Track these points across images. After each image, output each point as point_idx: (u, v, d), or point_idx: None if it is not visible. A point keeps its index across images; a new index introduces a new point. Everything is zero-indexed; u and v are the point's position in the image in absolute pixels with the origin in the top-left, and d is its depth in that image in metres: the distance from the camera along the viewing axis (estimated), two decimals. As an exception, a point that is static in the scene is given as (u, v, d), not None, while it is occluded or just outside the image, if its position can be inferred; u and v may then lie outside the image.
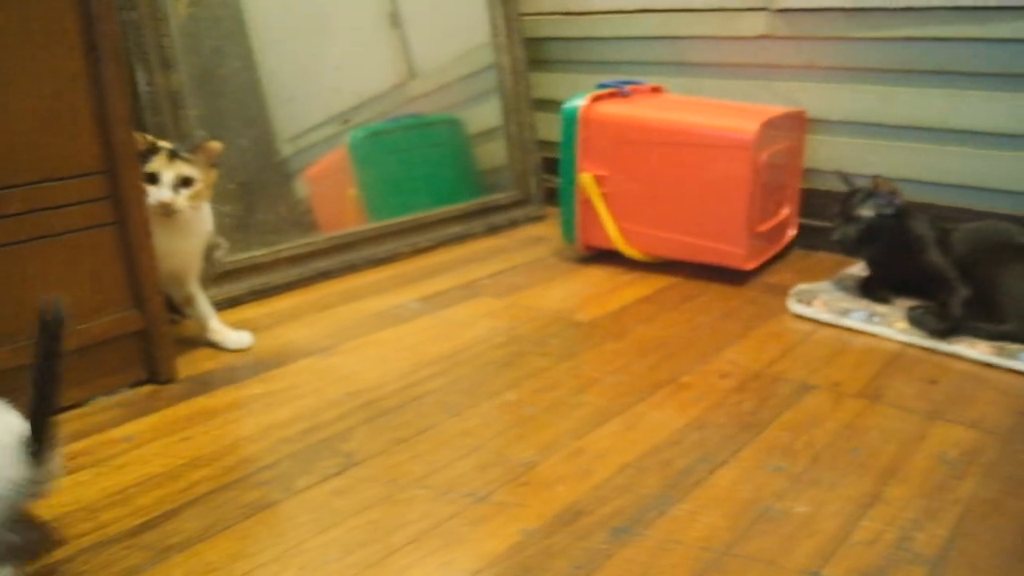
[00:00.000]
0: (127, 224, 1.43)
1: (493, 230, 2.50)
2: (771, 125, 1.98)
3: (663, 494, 1.17)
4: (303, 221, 2.14)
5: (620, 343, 1.67)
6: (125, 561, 1.04)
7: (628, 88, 2.20)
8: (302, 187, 2.18)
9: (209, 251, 1.73)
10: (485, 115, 2.63)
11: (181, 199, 1.53)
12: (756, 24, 2.28)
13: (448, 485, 1.19)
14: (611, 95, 2.16)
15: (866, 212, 1.78)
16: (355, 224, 2.26)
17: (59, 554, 1.06)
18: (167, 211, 1.52)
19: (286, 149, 2.16)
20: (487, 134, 2.64)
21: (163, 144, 1.55)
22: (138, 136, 1.49)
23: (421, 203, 2.40)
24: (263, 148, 2.06)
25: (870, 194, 1.80)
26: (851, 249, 1.86)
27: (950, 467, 1.23)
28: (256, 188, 2.02)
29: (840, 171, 1.95)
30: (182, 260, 1.63)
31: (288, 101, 2.15)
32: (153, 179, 1.51)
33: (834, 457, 1.26)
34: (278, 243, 2.03)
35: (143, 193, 1.46)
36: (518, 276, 2.10)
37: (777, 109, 2.10)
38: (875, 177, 1.83)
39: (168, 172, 1.52)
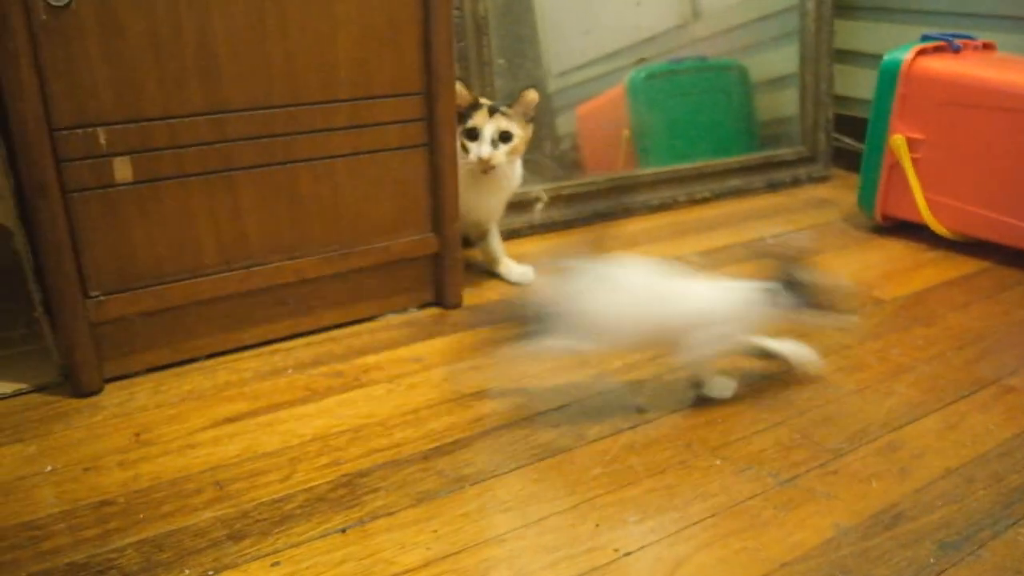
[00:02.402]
0: (437, 147, 1.43)
1: (774, 187, 2.34)
2: None
3: (996, 512, 1.02)
4: (569, 159, 2.08)
5: (930, 329, 1.50)
6: (421, 484, 1.05)
7: (958, 43, 1.95)
8: (568, 124, 2.12)
9: (529, 204, 1.72)
10: (775, 62, 2.44)
11: (500, 154, 1.52)
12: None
13: (747, 460, 1.11)
14: (938, 49, 1.93)
15: None
16: (624, 167, 2.18)
17: (355, 465, 1.08)
18: (486, 167, 1.52)
19: (553, 84, 2.11)
20: (775, 83, 2.46)
21: (484, 101, 1.55)
22: (461, 90, 1.49)
23: (697, 151, 2.28)
24: (539, 82, 2.01)
25: None
26: None
27: None
28: (540, 124, 1.99)
29: None
30: (487, 212, 1.64)
31: (561, 35, 2.08)
32: (473, 135, 1.51)
33: None
34: (558, 180, 1.99)
35: (454, 127, 1.45)
36: (804, 240, 1.94)
37: None
38: None
39: (489, 127, 1.51)
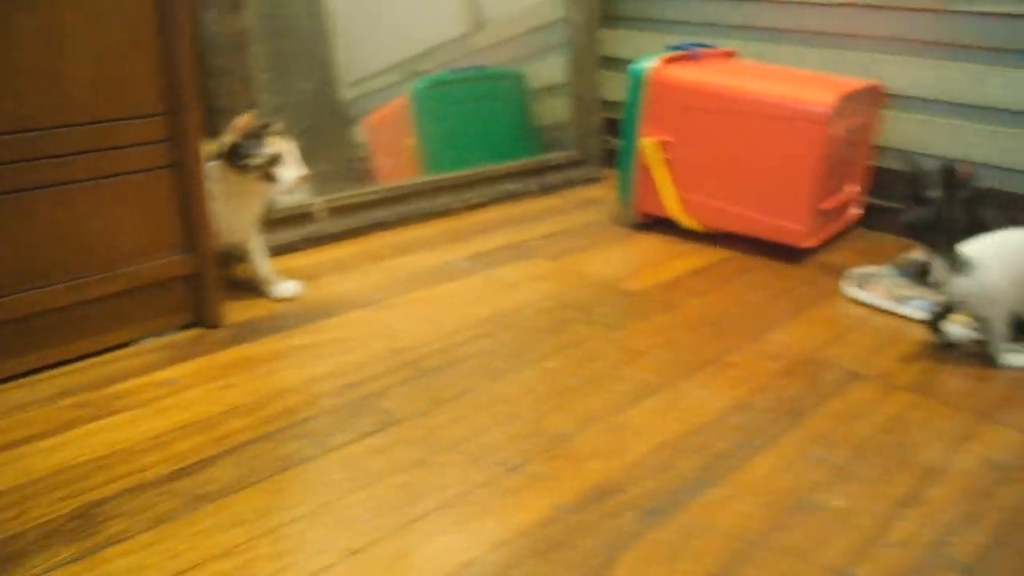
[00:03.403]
0: (184, 167, 1.44)
1: (549, 189, 2.47)
2: (848, 98, 1.91)
3: (698, 477, 1.15)
4: (360, 169, 2.14)
5: (669, 316, 1.65)
6: (159, 507, 1.07)
7: (700, 51, 2.13)
8: (361, 133, 2.17)
9: (307, 216, 1.74)
10: (550, 71, 2.58)
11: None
12: (840, -10, 2.18)
13: (481, 452, 1.19)
14: (682, 58, 2.10)
15: (939, 195, 1.70)
16: (412, 175, 2.25)
17: (93, 495, 1.09)
18: (299, 186, 1.58)
19: (348, 93, 2.16)
20: (550, 90, 2.59)
21: (272, 124, 1.57)
22: (249, 118, 1.52)
23: (478, 157, 2.37)
24: (326, 93, 2.05)
25: (946, 177, 1.71)
26: (920, 233, 1.78)
27: (996, 471, 1.19)
28: (318, 134, 2.02)
29: (907, 153, 1.87)
30: (244, 230, 1.65)
31: (352, 45, 2.13)
32: (276, 160, 1.54)
33: (876, 451, 1.23)
34: (334, 191, 2.03)
35: (200, 136, 1.46)
36: (571, 239, 2.07)
37: (855, 82, 2.01)
38: (957, 162, 1.73)
39: (290, 149, 1.56)
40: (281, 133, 1.57)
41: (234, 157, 1.53)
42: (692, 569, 0.98)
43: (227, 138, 1.54)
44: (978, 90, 2.00)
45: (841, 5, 2.17)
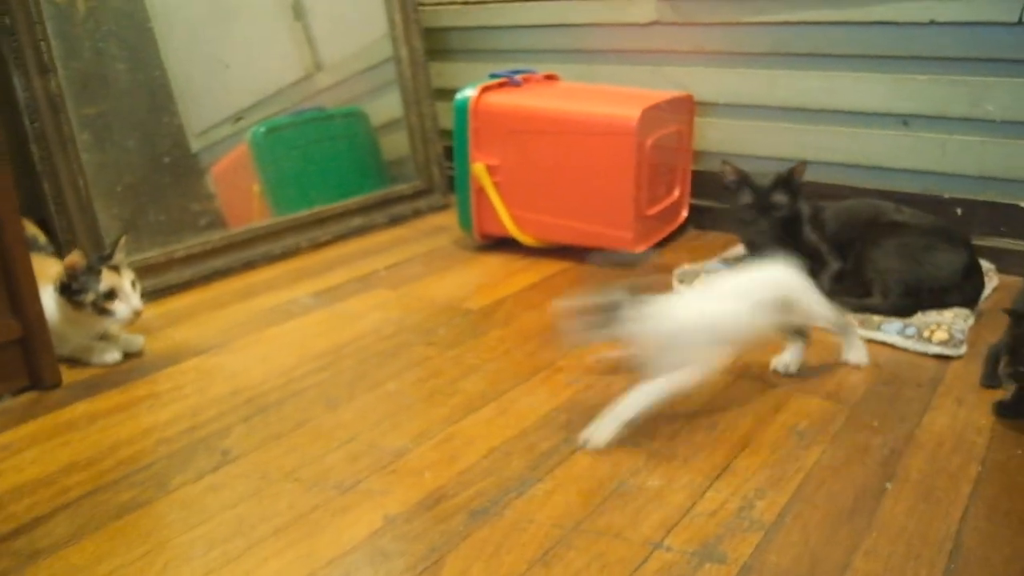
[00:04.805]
0: (1, 235, 1.44)
1: (396, 221, 2.54)
2: (656, 109, 2.05)
3: (524, 476, 1.23)
4: (210, 218, 2.15)
5: (504, 330, 1.73)
6: (-8, 568, 1.07)
7: (519, 77, 2.25)
8: (210, 183, 2.19)
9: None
10: (388, 106, 2.66)
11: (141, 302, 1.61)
12: (647, 11, 2.34)
13: (317, 477, 1.23)
14: (502, 85, 2.21)
15: (784, 199, 1.83)
16: (260, 219, 2.27)
17: (-74, 564, 1.08)
18: (136, 318, 1.59)
19: (196, 144, 2.17)
20: (390, 125, 2.67)
21: (107, 256, 1.61)
22: (78, 257, 1.54)
23: (325, 196, 2.42)
24: (158, 148, 2.06)
25: (785, 181, 1.84)
26: (764, 239, 1.89)
27: (800, 437, 1.31)
28: (150, 188, 2.03)
29: (724, 155, 2.02)
30: (87, 345, 1.65)
31: (197, 96, 2.15)
32: (112, 295, 1.56)
33: (692, 432, 1.33)
34: (172, 243, 2.04)
35: (15, 202, 1.46)
36: (415, 267, 2.14)
37: (664, 94, 2.16)
38: (798, 163, 1.85)
39: (127, 282, 1.59)
40: (117, 266, 1.59)
41: (67, 293, 1.55)
42: (515, 559, 1.05)
43: (60, 275, 1.57)
44: (772, 93, 2.19)
45: (649, 24, 2.33)
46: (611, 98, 2.13)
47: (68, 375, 1.58)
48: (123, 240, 1.63)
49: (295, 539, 1.10)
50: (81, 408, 1.47)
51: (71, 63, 1.86)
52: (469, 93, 2.14)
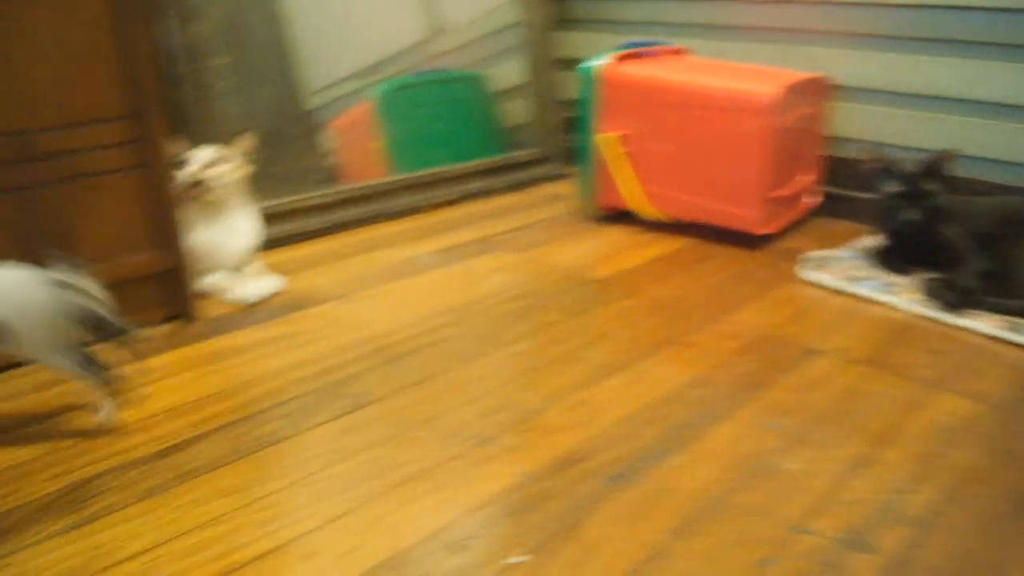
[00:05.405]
0: (151, 168, 1.48)
1: (514, 187, 2.53)
2: (792, 90, 1.98)
3: (660, 446, 1.21)
4: (329, 171, 2.18)
5: (631, 301, 1.71)
6: (147, 481, 1.11)
7: (651, 49, 2.20)
8: (327, 139, 2.22)
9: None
10: (509, 72, 2.64)
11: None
12: (789, -13, 2.26)
13: (453, 428, 1.24)
14: (633, 55, 2.17)
15: (936, 187, 1.75)
16: (378, 176, 2.29)
17: (84, 472, 1.12)
18: (195, 187, 1.67)
19: (314, 101, 2.20)
20: (511, 91, 2.66)
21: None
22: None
23: (443, 158, 2.43)
24: (288, 100, 2.10)
25: (933, 169, 1.76)
26: (910, 229, 1.81)
27: (946, 435, 1.26)
28: (280, 138, 2.06)
29: (863, 143, 1.94)
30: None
31: (315, 55, 2.18)
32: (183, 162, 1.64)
33: (832, 419, 1.29)
34: (296, 193, 2.07)
35: (164, 139, 1.50)
36: (536, 233, 2.13)
37: (799, 74, 2.09)
38: (943, 151, 1.77)
39: (201, 155, 1.69)
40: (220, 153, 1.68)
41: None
42: (656, 526, 1.04)
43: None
44: (913, 80, 2.10)
45: (785, 1, 2.25)
46: (746, 75, 2.07)
47: (205, 310, 1.62)
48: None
49: (432, 486, 1.10)
50: (220, 342, 1.50)
51: (211, 12, 1.90)
52: (600, 62, 2.11)
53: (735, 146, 1.96)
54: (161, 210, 1.50)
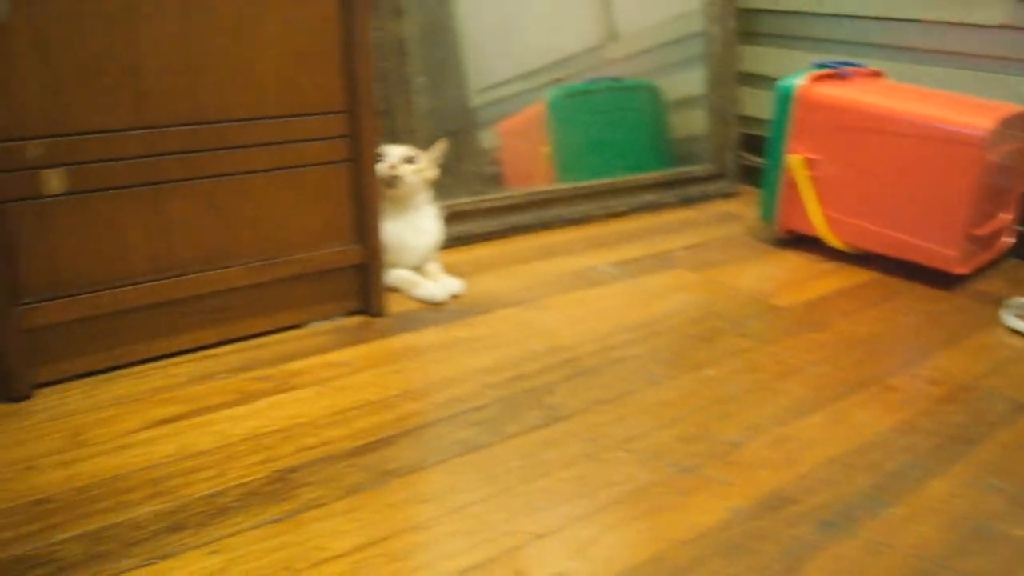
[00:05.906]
0: (359, 163, 1.50)
1: (685, 202, 2.47)
2: (1006, 124, 1.86)
3: (872, 495, 1.14)
4: (491, 174, 2.18)
5: (821, 334, 1.63)
6: (349, 478, 1.11)
7: (848, 70, 2.11)
8: (490, 139, 2.21)
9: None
10: (685, 83, 2.59)
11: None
12: (994, 13, 2.13)
13: (652, 452, 1.20)
14: (829, 76, 2.08)
15: None
16: (544, 182, 2.28)
17: (289, 461, 1.14)
18: (395, 182, 1.71)
19: (475, 100, 2.20)
20: (685, 103, 2.60)
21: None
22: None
23: (613, 167, 2.40)
24: (459, 99, 2.10)
25: None
26: None
27: None
28: (460, 138, 2.07)
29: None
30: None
31: (481, 54, 2.18)
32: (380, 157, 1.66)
33: (1057, 484, 1.20)
34: (474, 194, 2.08)
35: (376, 134, 1.52)
36: (712, 252, 2.07)
37: (1011, 107, 1.96)
38: None
39: (397, 151, 1.73)
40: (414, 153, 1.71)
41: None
42: (876, 584, 0.98)
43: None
44: None
45: (997, 27, 2.12)
46: (955, 104, 1.96)
47: (391, 306, 1.63)
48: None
49: (638, 512, 1.07)
50: (407, 339, 1.51)
51: (417, 9, 1.92)
52: (797, 80, 2.03)
53: (940, 179, 1.85)
54: (363, 204, 1.52)
